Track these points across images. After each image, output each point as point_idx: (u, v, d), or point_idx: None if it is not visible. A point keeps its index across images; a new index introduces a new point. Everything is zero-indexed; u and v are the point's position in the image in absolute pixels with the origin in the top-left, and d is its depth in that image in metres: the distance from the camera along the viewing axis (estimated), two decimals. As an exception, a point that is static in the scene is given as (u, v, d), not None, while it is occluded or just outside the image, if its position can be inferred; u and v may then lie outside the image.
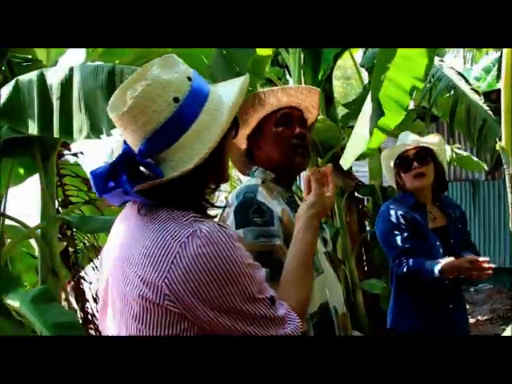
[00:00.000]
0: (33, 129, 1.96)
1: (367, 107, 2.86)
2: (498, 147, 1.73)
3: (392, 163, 2.20)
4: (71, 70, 1.94)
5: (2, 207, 3.06)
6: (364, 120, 2.78)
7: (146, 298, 0.81)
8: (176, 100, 0.86)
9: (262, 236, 1.23)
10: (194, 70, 0.93)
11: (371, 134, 2.44)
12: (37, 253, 3.03)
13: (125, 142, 0.91)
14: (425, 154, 2.14)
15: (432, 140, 2.21)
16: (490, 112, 2.82)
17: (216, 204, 0.97)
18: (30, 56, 2.87)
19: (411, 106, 5.18)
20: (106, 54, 3.08)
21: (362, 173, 5.37)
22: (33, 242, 3.17)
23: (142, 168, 0.86)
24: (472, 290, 6.33)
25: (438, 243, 2.07)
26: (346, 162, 3.11)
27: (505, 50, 1.73)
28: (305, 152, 1.38)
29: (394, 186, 2.29)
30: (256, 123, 1.41)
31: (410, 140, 2.20)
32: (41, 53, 2.94)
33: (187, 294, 0.80)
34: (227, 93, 0.93)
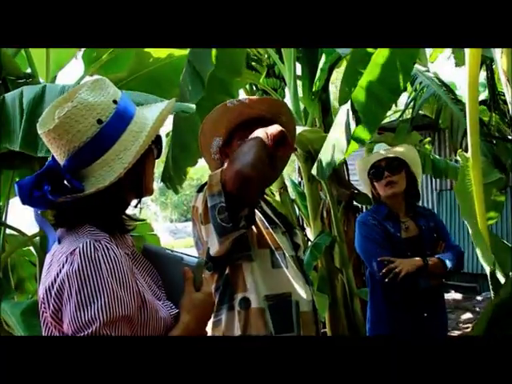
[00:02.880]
0: (15, 145, 2.05)
1: (341, 116, 2.89)
2: (458, 154, 1.77)
3: (366, 173, 2.27)
4: (43, 88, 2.03)
5: (4, 217, 3.16)
6: (339, 129, 2.82)
7: (41, 310, 0.93)
8: (99, 122, 0.94)
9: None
10: (123, 92, 1.01)
11: (348, 142, 2.47)
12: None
13: (52, 156, 0.99)
14: (397, 164, 2.22)
15: (403, 150, 2.28)
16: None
17: (138, 218, 1.04)
18: (29, 70, 2.98)
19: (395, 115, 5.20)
20: (102, 69, 3.19)
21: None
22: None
23: (66, 182, 0.95)
24: (476, 298, 6.31)
25: (409, 253, 2.12)
26: (323, 173, 3.12)
27: (467, 62, 1.76)
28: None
29: (370, 196, 2.35)
30: (226, 135, 1.49)
31: (382, 150, 2.27)
32: (40, 67, 3.05)
33: (56, 304, 0.89)
34: (151, 115, 1.01)
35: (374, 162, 2.23)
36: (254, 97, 1.62)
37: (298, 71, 4.22)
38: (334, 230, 4.31)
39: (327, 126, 4.27)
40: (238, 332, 1.32)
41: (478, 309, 5.87)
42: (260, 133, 1.27)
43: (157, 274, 1.04)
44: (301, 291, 1.40)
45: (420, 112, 5.09)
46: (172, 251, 1.06)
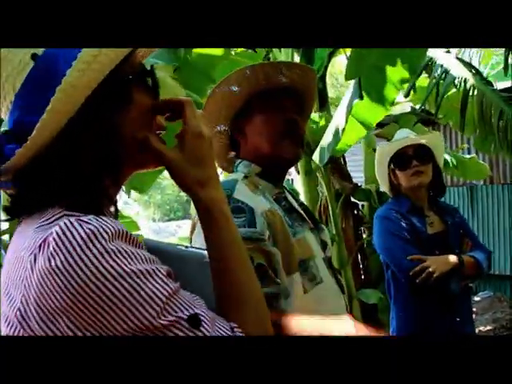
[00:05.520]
0: None
1: (345, 99, 2.66)
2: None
3: (387, 161, 2.02)
4: None
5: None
6: (342, 113, 2.59)
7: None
8: (35, 57, 0.64)
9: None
10: None
11: (346, 121, 2.24)
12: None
13: None
14: (425, 153, 1.98)
15: (432, 138, 2.05)
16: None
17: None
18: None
19: (408, 107, 5.01)
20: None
21: (358, 178, 5.18)
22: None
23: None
24: (473, 299, 6.15)
25: (437, 251, 1.90)
26: (322, 158, 2.91)
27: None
28: (296, 141, 1.19)
29: (385, 189, 2.12)
30: (241, 104, 1.21)
31: (408, 136, 2.03)
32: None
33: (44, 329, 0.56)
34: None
35: (399, 149, 1.98)
36: (285, 61, 1.38)
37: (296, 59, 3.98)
38: (331, 228, 4.08)
39: (324, 116, 4.05)
40: None
41: (475, 309, 5.71)
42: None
43: None
44: (337, 307, 1.15)
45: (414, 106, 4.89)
46: (187, 247, 0.77)
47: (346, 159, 4.41)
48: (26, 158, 0.61)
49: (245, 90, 1.18)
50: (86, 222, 0.56)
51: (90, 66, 0.61)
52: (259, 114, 1.19)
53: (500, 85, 3.69)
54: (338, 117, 2.83)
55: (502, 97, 2.63)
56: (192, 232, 1.11)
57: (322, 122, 3.60)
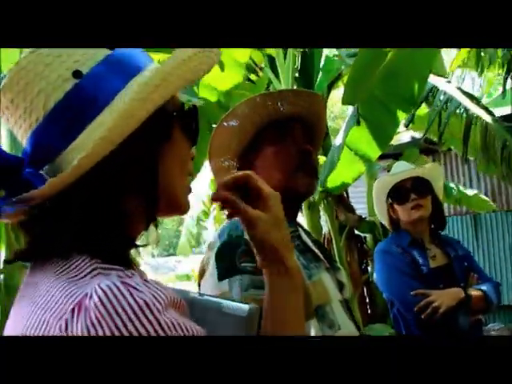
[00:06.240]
0: None
1: (342, 130, 2.62)
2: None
3: (385, 195, 1.94)
4: None
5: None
6: (337, 142, 2.56)
7: None
8: (77, 74, 0.56)
9: (252, 286, 0.93)
10: None
11: (342, 149, 2.19)
12: None
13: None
14: (424, 185, 1.92)
15: (431, 171, 1.98)
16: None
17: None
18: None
19: (408, 136, 4.99)
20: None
21: (360, 210, 5.11)
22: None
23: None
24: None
25: (441, 285, 1.81)
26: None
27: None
28: (310, 172, 1.12)
29: (385, 223, 2.05)
30: (251, 136, 1.14)
31: (405, 169, 1.97)
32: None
33: None
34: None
35: (396, 183, 1.92)
36: (293, 89, 1.35)
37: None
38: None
39: (326, 148, 4.01)
40: None
41: (486, 342, 5.54)
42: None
43: None
44: None
45: (415, 134, 4.87)
46: (201, 295, 0.70)
47: (349, 191, 4.35)
48: (58, 189, 0.54)
49: (253, 121, 1.12)
50: (135, 289, 0.48)
51: (149, 95, 0.56)
52: (270, 145, 1.12)
53: (497, 111, 3.69)
54: (334, 148, 2.80)
55: (504, 127, 2.60)
56: (201, 276, 1.03)
57: (323, 157, 3.56)
